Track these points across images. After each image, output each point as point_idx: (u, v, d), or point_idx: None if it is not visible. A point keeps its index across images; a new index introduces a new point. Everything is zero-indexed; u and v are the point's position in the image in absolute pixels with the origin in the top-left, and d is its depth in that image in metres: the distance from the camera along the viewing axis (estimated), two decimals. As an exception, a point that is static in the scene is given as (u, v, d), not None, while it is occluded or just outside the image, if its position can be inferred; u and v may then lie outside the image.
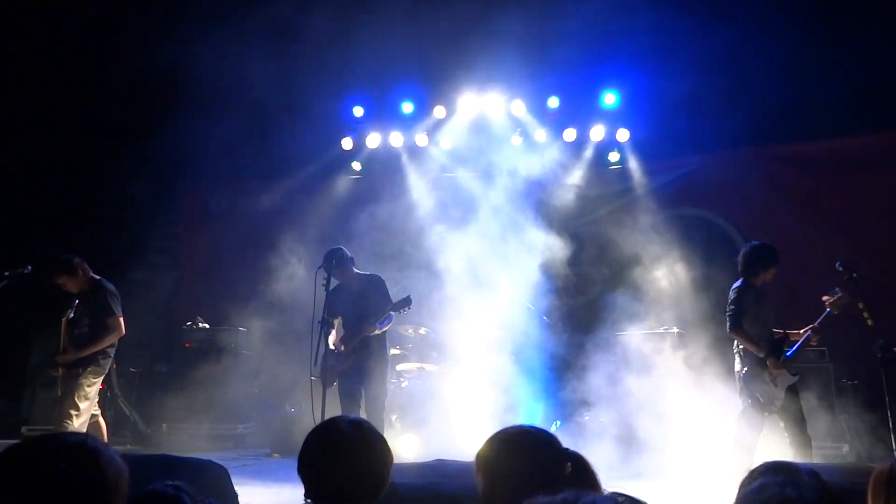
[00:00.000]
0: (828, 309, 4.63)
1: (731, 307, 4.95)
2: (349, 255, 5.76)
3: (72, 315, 5.47)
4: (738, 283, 5.07)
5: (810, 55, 8.10)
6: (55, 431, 1.41)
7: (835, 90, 8.13)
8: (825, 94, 8.22)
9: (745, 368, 4.97)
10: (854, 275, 4.13)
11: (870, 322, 3.90)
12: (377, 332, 5.60)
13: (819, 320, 4.70)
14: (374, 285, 5.73)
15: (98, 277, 5.63)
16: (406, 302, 5.51)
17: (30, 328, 8.15)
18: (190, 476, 2.64)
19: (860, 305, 3.95)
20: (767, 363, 4.72)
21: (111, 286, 5.60)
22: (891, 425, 4.25)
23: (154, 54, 9.46)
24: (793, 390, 4.87)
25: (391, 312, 5.56)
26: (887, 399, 4.22)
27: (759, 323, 4.92)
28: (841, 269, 4.25)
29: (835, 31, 7.99)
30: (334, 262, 5.52)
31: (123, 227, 9.86)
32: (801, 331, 4.86)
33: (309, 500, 4.64)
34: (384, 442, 1.91)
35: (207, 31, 9.06)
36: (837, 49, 8.02)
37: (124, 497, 1.33)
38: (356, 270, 5.82)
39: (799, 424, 4.81)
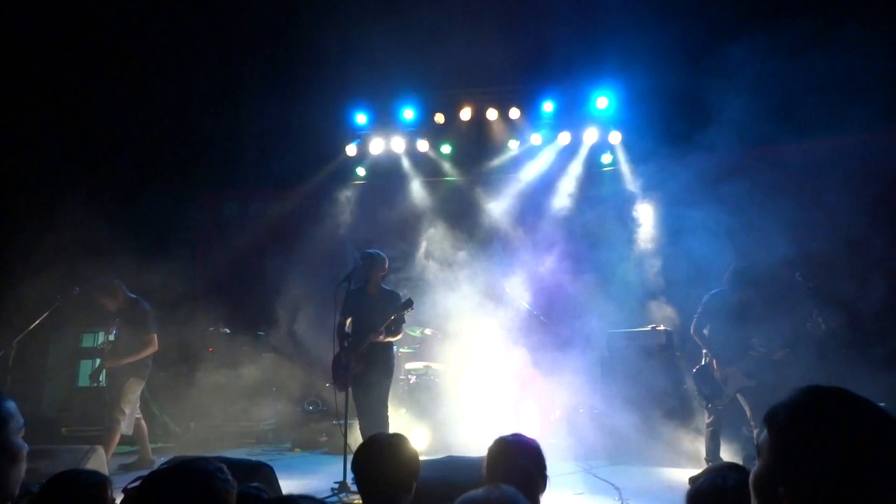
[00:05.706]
0: None
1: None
2: (384, 262, 5.86)
3: (113, 332, 6.02)
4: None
5: (789, 58, 8.55)
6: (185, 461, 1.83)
7: (813, 92, 8.59)
8: (803, 96, 8.68)
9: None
10: (810, 285, 4.64)
11: (823, 327, 4.39)
12: (383, 339, 5.71)
13: None
14: (390, 300, 5.84)
15: (135, 297, 6.18)
16: (407, 304, 5.65)
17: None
18: (245, 475, 3.17)
19: (814, 313, 4.45)
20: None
21: (147, 305, 6.15)
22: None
23: (161, 70, 9.95)
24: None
25: (396, 317, 5.65)
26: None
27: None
28: (800, 279, 4.75)
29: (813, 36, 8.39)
30: (364, 262, 5.76)
31: (139, 235, 10.33)
32: None
33: (335, 485, 5.40)
34: (413, 452, 2.50)
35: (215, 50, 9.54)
36: (812, 52, 8.44)
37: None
38: (383, 286, 5.93)
39: None
